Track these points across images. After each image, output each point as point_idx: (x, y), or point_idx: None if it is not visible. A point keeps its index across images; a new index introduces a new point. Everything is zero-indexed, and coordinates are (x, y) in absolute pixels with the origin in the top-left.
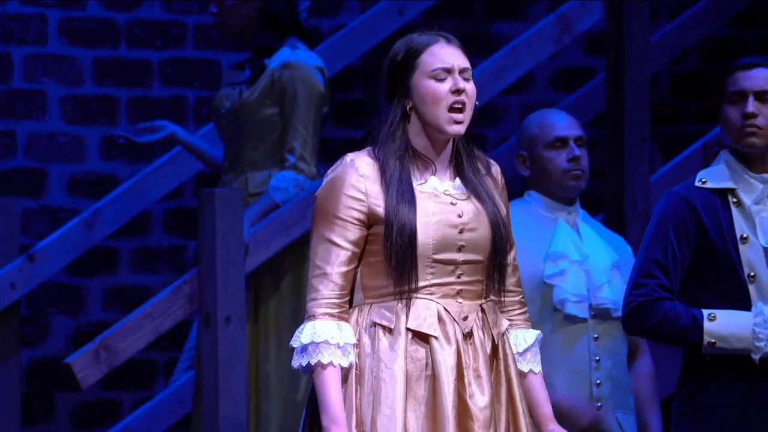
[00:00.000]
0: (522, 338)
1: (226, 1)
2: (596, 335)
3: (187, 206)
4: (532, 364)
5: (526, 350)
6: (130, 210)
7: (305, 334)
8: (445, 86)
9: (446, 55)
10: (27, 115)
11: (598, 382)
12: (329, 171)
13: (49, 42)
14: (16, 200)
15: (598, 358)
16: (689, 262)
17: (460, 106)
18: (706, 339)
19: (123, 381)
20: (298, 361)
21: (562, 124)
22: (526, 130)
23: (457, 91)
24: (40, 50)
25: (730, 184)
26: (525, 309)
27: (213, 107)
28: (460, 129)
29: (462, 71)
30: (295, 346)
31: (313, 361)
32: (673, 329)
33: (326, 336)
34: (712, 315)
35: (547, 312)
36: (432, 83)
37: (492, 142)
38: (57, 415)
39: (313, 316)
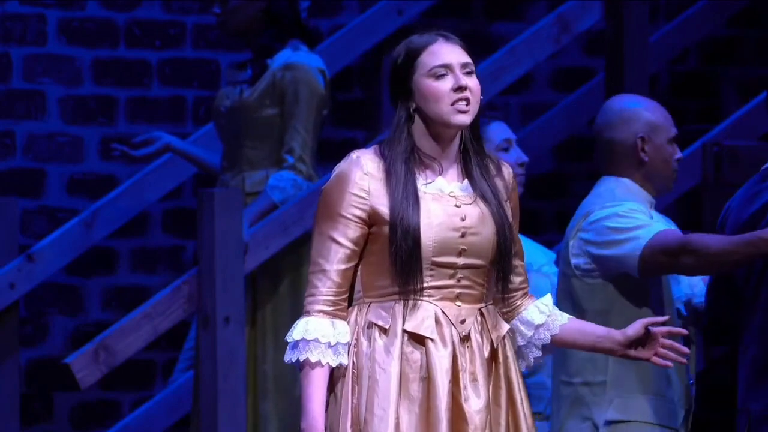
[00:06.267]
0: (543, 304)
1: (231, 2)
2: None
3: (186, 206)
4: (564, 317)
5: (552, 311)
6: (129, 210)
7: (298, 329)
8: (447, 84)
9: (445, 53)
10: (26, 115)
11: (691, 382)
12: (336, 167)
13: (48, 42)
14: (15, 200)
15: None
16: None
17: (464, 102)
18: None
19: (122, 381)
20: (289, 357)
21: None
22: (645, 112)
23: (460, 89)
24: (39, 50)
25: None
26: (526, 289)
27: (213, 106)
28: (466, 119)
29: (463, 67)
30: (288, 341)
31: (302, 358)
32: None
33: (317, 334)
34: None
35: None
36: (432, 82)
37: None
38: (56, 415)
39: (307, 313)
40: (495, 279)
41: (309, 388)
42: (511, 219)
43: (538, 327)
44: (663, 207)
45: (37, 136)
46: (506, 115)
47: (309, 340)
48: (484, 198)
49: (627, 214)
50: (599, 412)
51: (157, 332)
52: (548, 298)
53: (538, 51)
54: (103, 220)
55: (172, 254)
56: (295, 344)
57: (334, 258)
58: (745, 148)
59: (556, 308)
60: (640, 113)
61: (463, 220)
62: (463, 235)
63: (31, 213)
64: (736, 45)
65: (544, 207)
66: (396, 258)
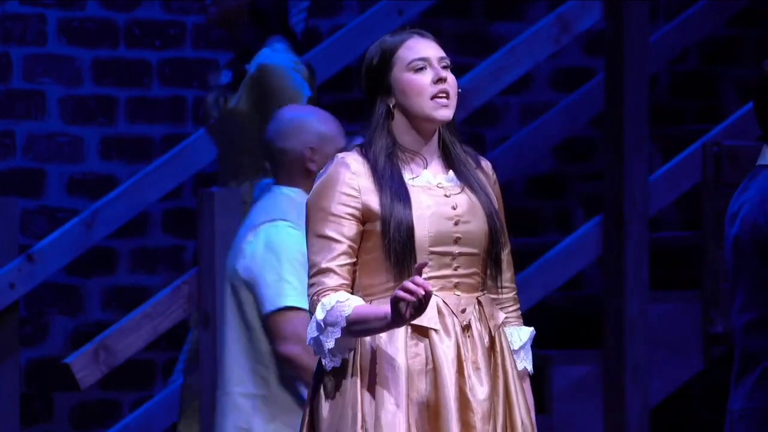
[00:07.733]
0: (516, 335)
1: None
2: None
3: (186, 206)
4: (525, 362)
5: (520, 348)
6: (129, 210)
7: (319, 311)
8: (426, 77)
9: (422, 47)
10: (26, 115)
11: None
12: (321, 172)
13: (48, 42)
14: (15, 200)
15: None
16: None
17: (444, 95)
18: None
19: (122, 381)
20: (325, 346)
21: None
22: (316, 122)
23: (440, 80)
24: (39, 50)
25: None
26: (518, 306)
27: (203, 115)
28: (448, 114)
29: (440, 61)
30: (311, 335)
31: (343, 325)
32: None
33: (335, 298)
34: None
35: None
36: (412, 75)
37: (491, 142)
38: (56, 415)
39: (317, 300)
40: (489, 267)
41: (365, 316)
42: (497, 208)
43: None
44: (662, 207)
45: (37, 136)
46: (506, 115)
47: (332, 308)
48: (471, 188)
49: (293, 266)
50: (258, 425)
51: (157, 332)
52: (525, 332)
53: (538, 51)
54: (103, 220)
55: (172, 254)
56: (321, 327)
57: (332, 255)
58: (745, 148)
59: (526, 348)
60: (310, 124)
61: (454, 209)
62: (456, 224)
63: (31, 213)
64: (736, 45)
65: (544, 207)
66: (390, 250)
